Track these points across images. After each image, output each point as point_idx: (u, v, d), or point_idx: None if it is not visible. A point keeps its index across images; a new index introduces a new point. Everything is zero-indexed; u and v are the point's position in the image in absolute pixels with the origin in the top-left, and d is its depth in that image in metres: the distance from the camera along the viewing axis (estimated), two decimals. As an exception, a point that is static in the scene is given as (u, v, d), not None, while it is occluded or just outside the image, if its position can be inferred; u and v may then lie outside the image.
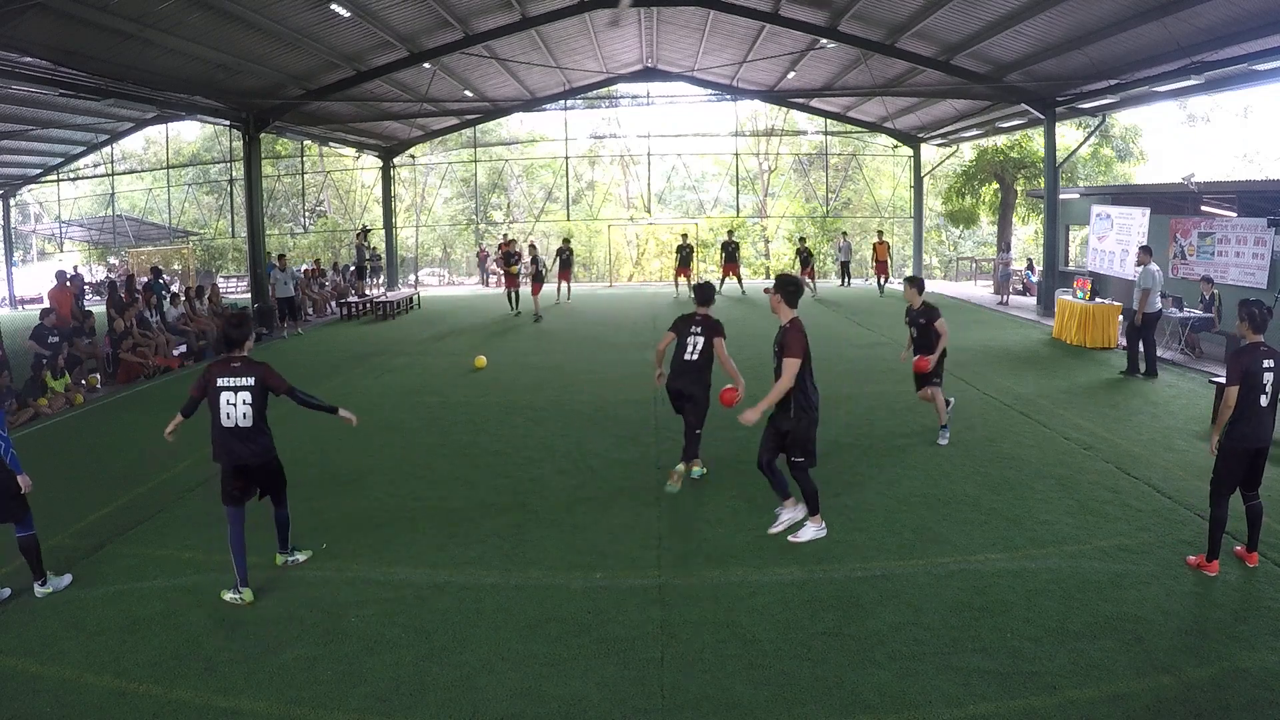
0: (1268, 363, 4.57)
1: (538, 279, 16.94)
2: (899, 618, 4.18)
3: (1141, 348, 10.13)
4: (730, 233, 20.85)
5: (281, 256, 16.04)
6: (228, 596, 4.52)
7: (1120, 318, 12.01)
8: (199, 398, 4.58)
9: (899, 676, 3.67)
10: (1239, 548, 4.83)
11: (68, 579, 4.83)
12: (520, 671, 3.79)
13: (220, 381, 4.48)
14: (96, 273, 25.35)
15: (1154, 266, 10.00)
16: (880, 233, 20.96)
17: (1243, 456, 4.61)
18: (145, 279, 16.32)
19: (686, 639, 4.05)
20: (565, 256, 19.37)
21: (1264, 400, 4.58)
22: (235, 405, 4.47)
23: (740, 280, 19.78)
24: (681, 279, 19.68)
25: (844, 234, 24.19)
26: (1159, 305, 10.16)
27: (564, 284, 19.53)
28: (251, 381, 4.49)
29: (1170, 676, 3.60)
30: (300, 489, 6.37)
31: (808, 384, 4.88)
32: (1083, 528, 5.28)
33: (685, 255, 19.73)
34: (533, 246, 18.49)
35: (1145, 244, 11.33)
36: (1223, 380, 7.86)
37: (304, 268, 20.60)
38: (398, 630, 4.17)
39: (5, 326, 13.19)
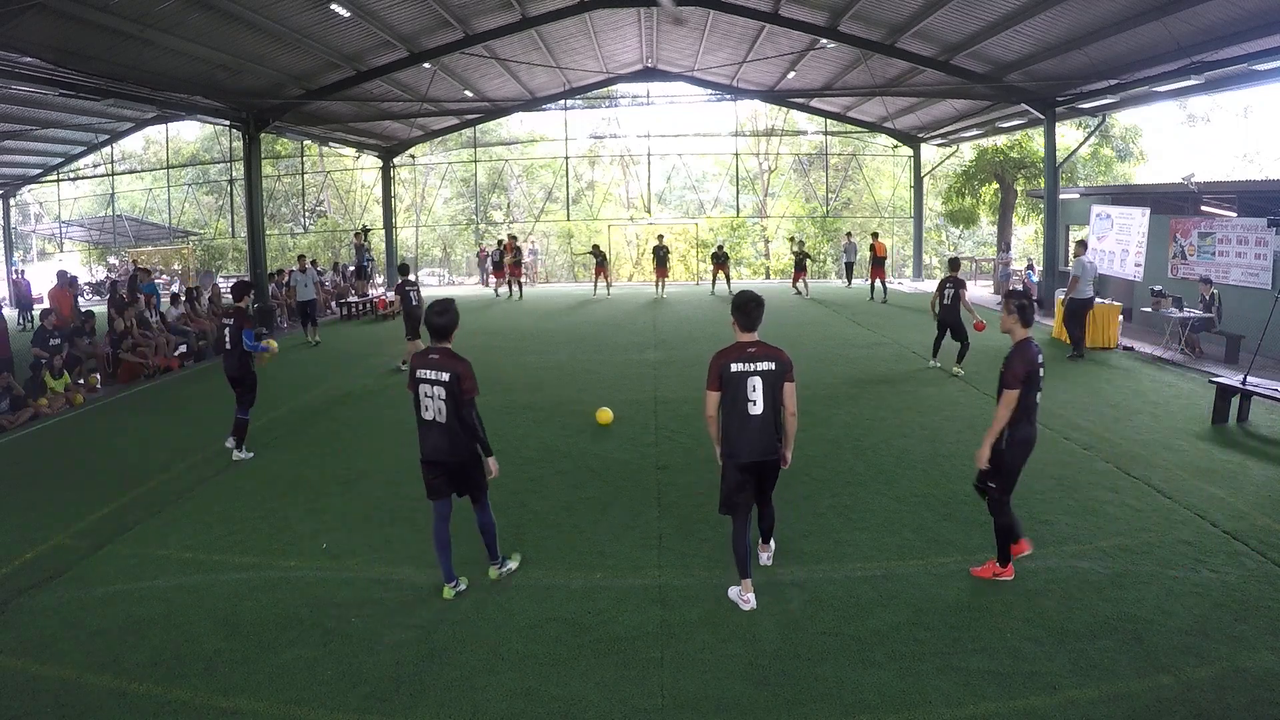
0: (1040, 358, 4.35)
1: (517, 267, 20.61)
2: (899, 618, 4.18)
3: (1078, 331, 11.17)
4: (720, 245, 21.67)
5: (301, 258, 15.83)
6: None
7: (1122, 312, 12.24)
8: (413, 393, 4.42)
9: (899, 676, 3.67)
10: (978, 567, 4.68)
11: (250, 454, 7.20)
12: (520, 671, 3.79)
13: (420, 373, 4.34)
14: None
15: (1086, 258, 11.15)
16: (876, 234, 20.17)
17: (1023, 460, 4.39)
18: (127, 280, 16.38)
19: (686, 639, 4.04)
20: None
21: (1039, 396, 4.39)
22: (432, 399, 4.32)
23: (729, 280, 20.53)
24: (660, 279, 20.45)
25: (849, 234, 23.97)
26: (1089, 293, 11.12)
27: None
28: (447, 377, 4.28)
29: (1170, 676, 3.60)
30: (301, 489, 6.40)
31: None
32: (1083, 528, 5.28)
33: (662, 256, 20.37)
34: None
35: (1082, 239, 12.46)
36: (1223, 380, 7.93)
37: (317, 269, 20.56)
38: (398, 630, 4.17)
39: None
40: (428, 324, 4.40)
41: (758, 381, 4.13)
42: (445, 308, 4.40)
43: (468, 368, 4.32)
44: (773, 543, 4.88)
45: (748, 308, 4.21)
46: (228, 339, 7.15)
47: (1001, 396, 4.28)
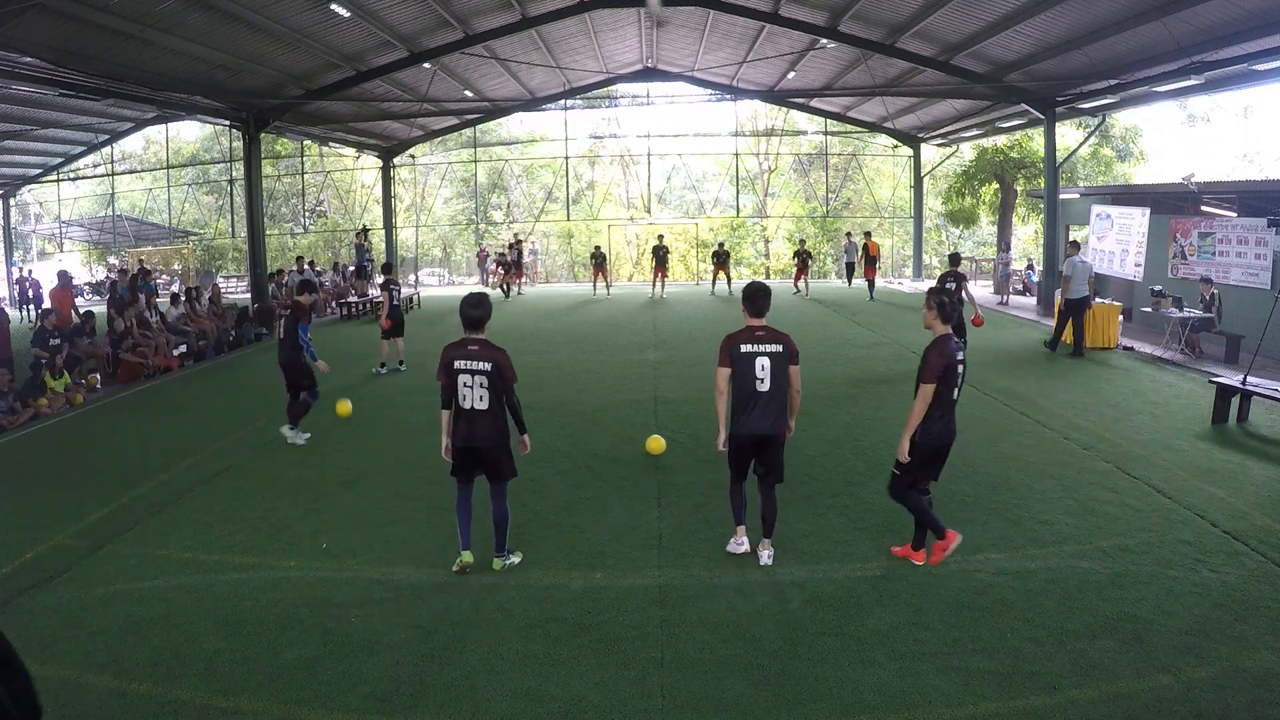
0: (960, 355, 4.45)
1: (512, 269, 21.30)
2: (899, 618, 4.18)
3: (1073, 330, 11.40)
4: (721, 244, 21.88)
5: (300, 259, 16.40)
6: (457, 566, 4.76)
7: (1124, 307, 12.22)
8: (445, 383, 4.55)
9: (899, 676, 3.66)
10: (898, 549, 4.86)
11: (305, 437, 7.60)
12: (520, 671, 3.79)
13: (458, 364, 4.49)
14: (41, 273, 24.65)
15: (1078, 258, 11.27)
16: (868, 233, 21.15)
17: (933, 454, 4.52)
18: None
19: (686, 639, 4.04)
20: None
21: (956, 394, 4.48)
22: (472, 388, 4.47)
23: (729, 280, 20.66)
24: (659, 279, 20.53)
25: (849, 234, 23.93)
26: (1084, 292, 11.18)
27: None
28: (489, 367, 4.46)
29: (1170, 676, 3.60)
30: (301, 489, 6.40)
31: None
32: (1083, 528, 5.28)
33: (661, 256, 20.47)
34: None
35: (1074, 240, 12.85)
36: (1223, 380, 7.93)
37: (312, 270, 20.69)
38: (398, 630, 4.17)
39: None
40: (464, 316, 4.56)
41: (765, 361, 4.53)
42: (480, 300, 4.58)
43: (506, 357, 4.54)
44: (772, 546, 4.86)
45: (756, 297, 4.64)
46: (281, 329, 7.62)
47: (919, 390, 4.43)
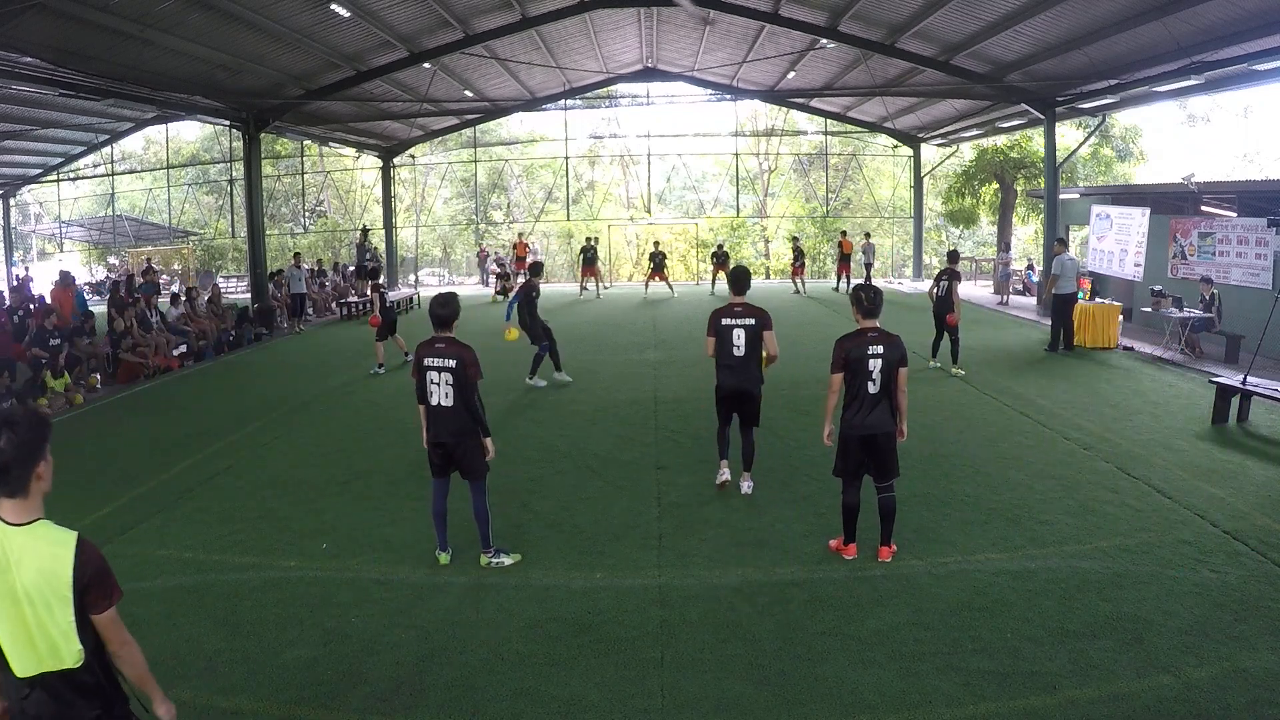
0: (875, 349, 4.51)
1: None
2: (899, 618, 4.18)
3: (1063, 327, 11.64)
4: (720, 245, 22.00)
5: (297, 255, 17.41)
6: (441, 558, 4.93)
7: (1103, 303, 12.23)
8: (418, 380, 4.69)
9: (899, 676, 3.66)
10: (882, 547, 4.85)
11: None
12: (520, 671, 3.79)
13: (427, 362, 4.62)
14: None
15: (1065, 256, 11.54)
16: (844, 232, 22.10)
17: (854, 444, 4.65)
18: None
19: (686, 639, 4.04)
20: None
21: (872, 388, 4.55)
22: (439, 385, 4.61)
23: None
24: (654, 282, 20.59)
25: (867, 235, 23.80)
26: (1072, 289, 11.49)
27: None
28: (453, 364, 4.57)
29: (1170, 676, 3.60)
30: (301, 489, 6.40)
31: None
32: (1083, 528, 5.28)
33: (659, 262, 20.55)
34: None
35: (1061, 238, 13.20)
36: (1223, 380, 7.94)
37: (306, 268, 20.72)
38: (398, 630, 4.17)
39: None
40: (432, 315, 4.70)
41: (741, 332, 5.52)
42: (447, 300, 4.72)
43: (473, 354, 4.62)
44: (751, 479, 5.86)
45: (739, 276, 5.77)
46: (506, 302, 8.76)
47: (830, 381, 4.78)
